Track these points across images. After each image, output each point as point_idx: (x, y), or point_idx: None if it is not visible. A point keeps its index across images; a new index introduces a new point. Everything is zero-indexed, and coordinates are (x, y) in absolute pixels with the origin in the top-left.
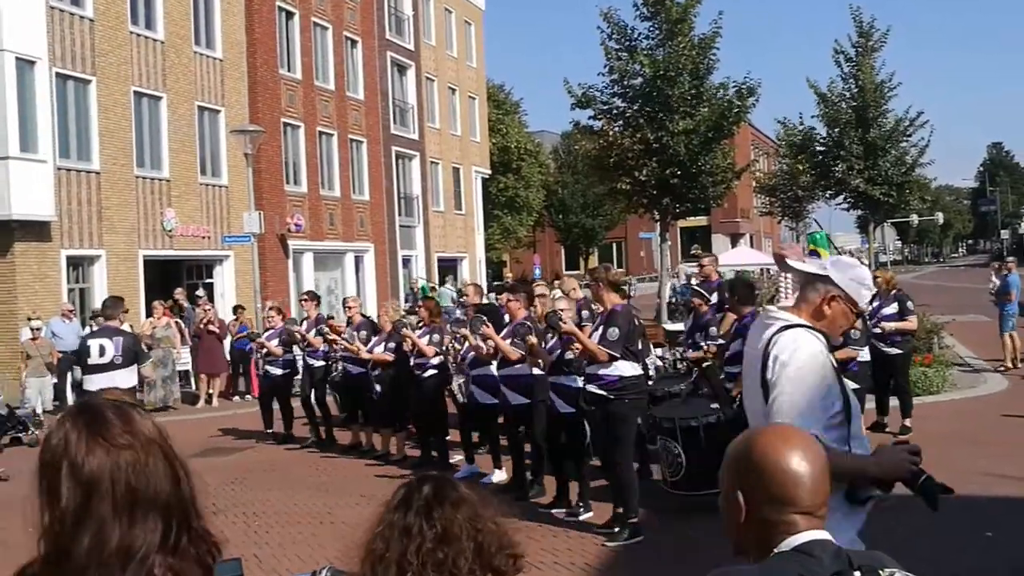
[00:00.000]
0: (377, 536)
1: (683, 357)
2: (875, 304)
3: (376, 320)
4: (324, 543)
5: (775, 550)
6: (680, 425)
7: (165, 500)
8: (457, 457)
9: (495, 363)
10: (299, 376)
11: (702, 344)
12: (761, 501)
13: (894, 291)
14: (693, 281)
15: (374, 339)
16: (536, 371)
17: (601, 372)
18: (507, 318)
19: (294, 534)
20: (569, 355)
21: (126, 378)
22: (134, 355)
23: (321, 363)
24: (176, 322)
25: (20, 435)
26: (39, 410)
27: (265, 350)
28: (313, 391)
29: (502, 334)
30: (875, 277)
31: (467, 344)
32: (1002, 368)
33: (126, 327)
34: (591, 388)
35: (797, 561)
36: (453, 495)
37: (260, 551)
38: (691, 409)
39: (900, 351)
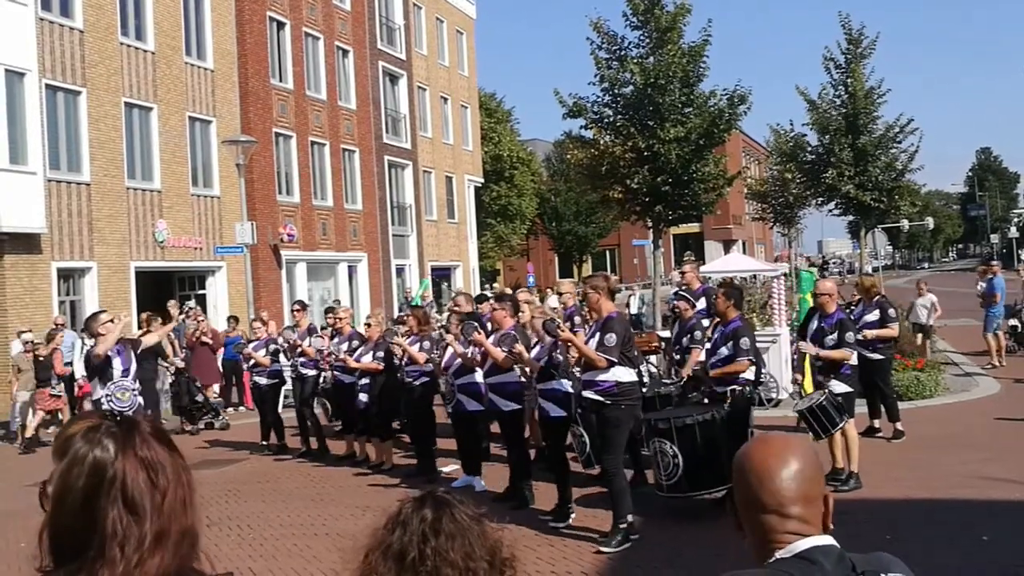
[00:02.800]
0: (372, 561)
1: (674, 370)
2: (858, 310)
3: (364, 332)
4: (318, 554)
5: (777, 556)
6: (675, 424)
7: (190, 522)
8: (451, 467)
9: (480, 371)
10: (287, 386)
11: (690, 347)
12: (747, 506)
13: (877, 297)
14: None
15: (360, 348)
16: (522, 378)
17: (598, 378)
18: (489, 326)
19: (288, 546)
20: (560, 357)
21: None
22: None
23: (312, 372)
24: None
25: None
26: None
27: (253, 360)
28: (302, 401)
29: (491, 340)
30: (856, 283)
31: (449, 351)
32: (989, 366)
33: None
34: (588, 394)
35: (800, 568)
36: (450, 526)
37: (254, 564)
38: (685, 409)
39: (882, 356)
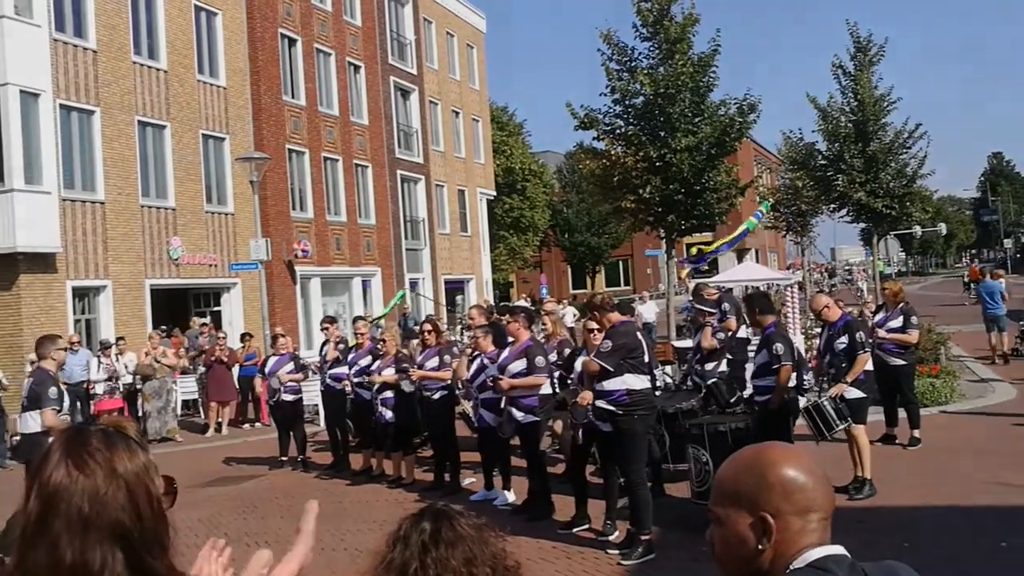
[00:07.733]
0: None
1: (696, 374)
2: (881, 315)
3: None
4: (337, 571)
5: (792, 567)
6: (708, 431)
7: (121, 532)
8: (470, 480)
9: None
10: (309, 402)
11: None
12: (787, 514)
13: (901, 304)
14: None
15: (378, 363)
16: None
17: (609, 387)
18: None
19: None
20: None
21: (28, 423)
22: (36, 396)
23: (341, 386)
24: (187, 350)
25: None
26: None
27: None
28: (335, 415)
29: (507, 353)
30: (883, 288)
31: (474, 366)
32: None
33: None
34: (600, 403)
35: None
36: (449, 535)
37: None
38: (720, 416)
39: (904, 362)
